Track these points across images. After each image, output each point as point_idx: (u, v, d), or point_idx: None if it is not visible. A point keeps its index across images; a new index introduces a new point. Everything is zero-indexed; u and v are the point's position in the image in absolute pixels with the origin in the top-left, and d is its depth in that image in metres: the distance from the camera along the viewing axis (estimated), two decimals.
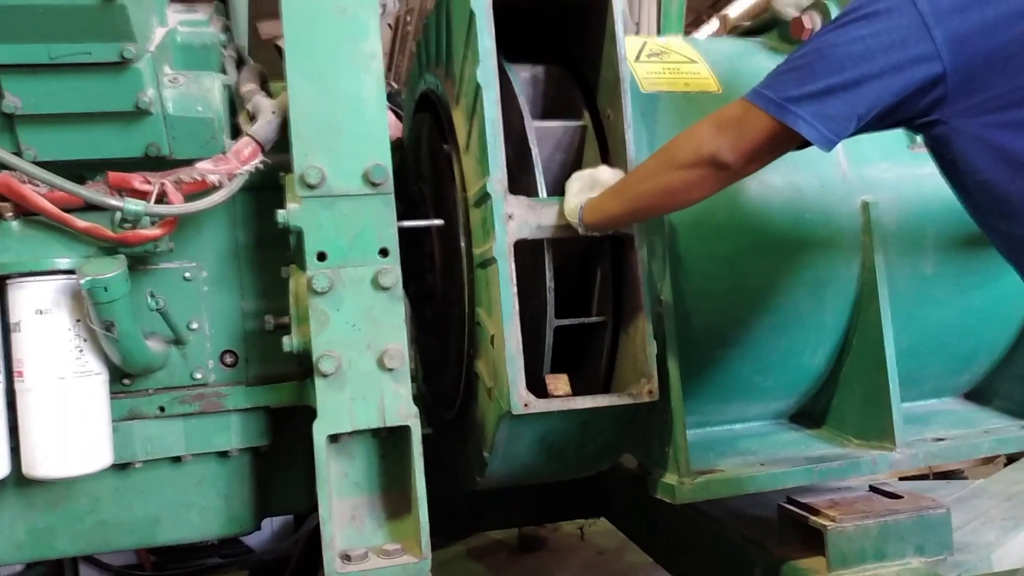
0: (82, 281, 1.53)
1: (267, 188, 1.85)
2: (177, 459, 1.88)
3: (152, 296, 1.69)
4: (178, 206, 1.65)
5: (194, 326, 1.89)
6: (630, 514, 2.72)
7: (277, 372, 1.93)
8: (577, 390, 1.79)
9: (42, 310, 1.62)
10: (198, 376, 1.89)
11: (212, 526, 1.93)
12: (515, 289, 1.70)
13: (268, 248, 1.93)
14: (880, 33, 1.29)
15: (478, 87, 1.73)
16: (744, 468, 1.94)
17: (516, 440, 1.80)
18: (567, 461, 1.92)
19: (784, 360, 2.12)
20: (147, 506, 1.88)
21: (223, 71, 1.87)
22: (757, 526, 2.11)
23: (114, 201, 1.61)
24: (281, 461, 2.01)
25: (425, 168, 2.27)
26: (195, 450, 1.88)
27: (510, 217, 1.72)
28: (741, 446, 2.11)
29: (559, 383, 1.80)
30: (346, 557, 1.68)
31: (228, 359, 1.92)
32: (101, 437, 1.69)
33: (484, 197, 1.75)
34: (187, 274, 1.89)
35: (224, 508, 1.93)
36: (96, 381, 1.68)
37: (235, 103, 1.89)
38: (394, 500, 1.76)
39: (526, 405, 1.67)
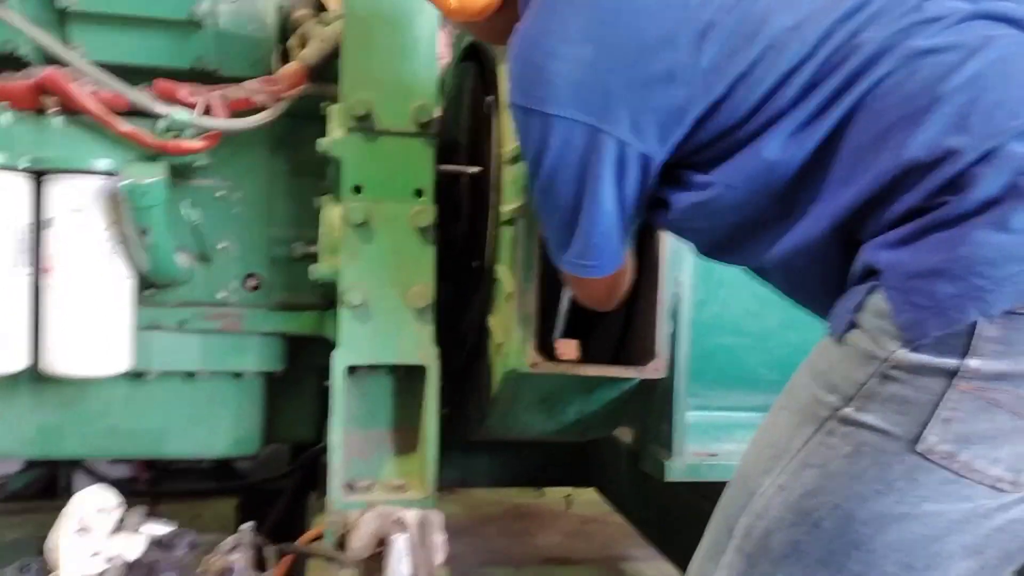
0: (123, 183, 1.54)
1: (308, 117, 1.85)
2: (191, 374, 1.90)
3: (191, 207, 1.69)
4: (223, 121, 1.65)
5: (221, 246, 1.90)
6: (622, 488, 2.74)
7: (298, 300, 1.94)
8: (587, 357, 1.82)
9: (77, 208, 1.63)
10: (220, 295, 1.90)
11: (218, 444, 1.95)
12: (540, 251, 1.70)
13: (302, 177, 1.93)
14: (571, 164, 1.20)
15: None
16: (738, 456, 1.95)
17: (519, 397, 1.82)
18: (566, 424, 1.94)
19: (794, 357, 2.07)
20: (157, 417, 1.90)
21: None
22: None
23: (161, 108, 1.61)
24: (291, 389, 2.03)
25: (464, 118, 2.27)
26: (210, 367, 1.89)
27: None
28: (738, 435, 2.08)
29: (569, 348, 1.81)
30: (350, 487, 1.71)
31: (251, 282, 1.93)
32: (122, 341, 1.71)
33: (519, 156, 1.75)
34: (219, 193, 1.89)
35: (232, 428, 1.95)
36: (123, 286, 1.69)
37: (286, 28, 1.88)
38: (403, 437, 1.79)
39: (534, 365, 1.69)
